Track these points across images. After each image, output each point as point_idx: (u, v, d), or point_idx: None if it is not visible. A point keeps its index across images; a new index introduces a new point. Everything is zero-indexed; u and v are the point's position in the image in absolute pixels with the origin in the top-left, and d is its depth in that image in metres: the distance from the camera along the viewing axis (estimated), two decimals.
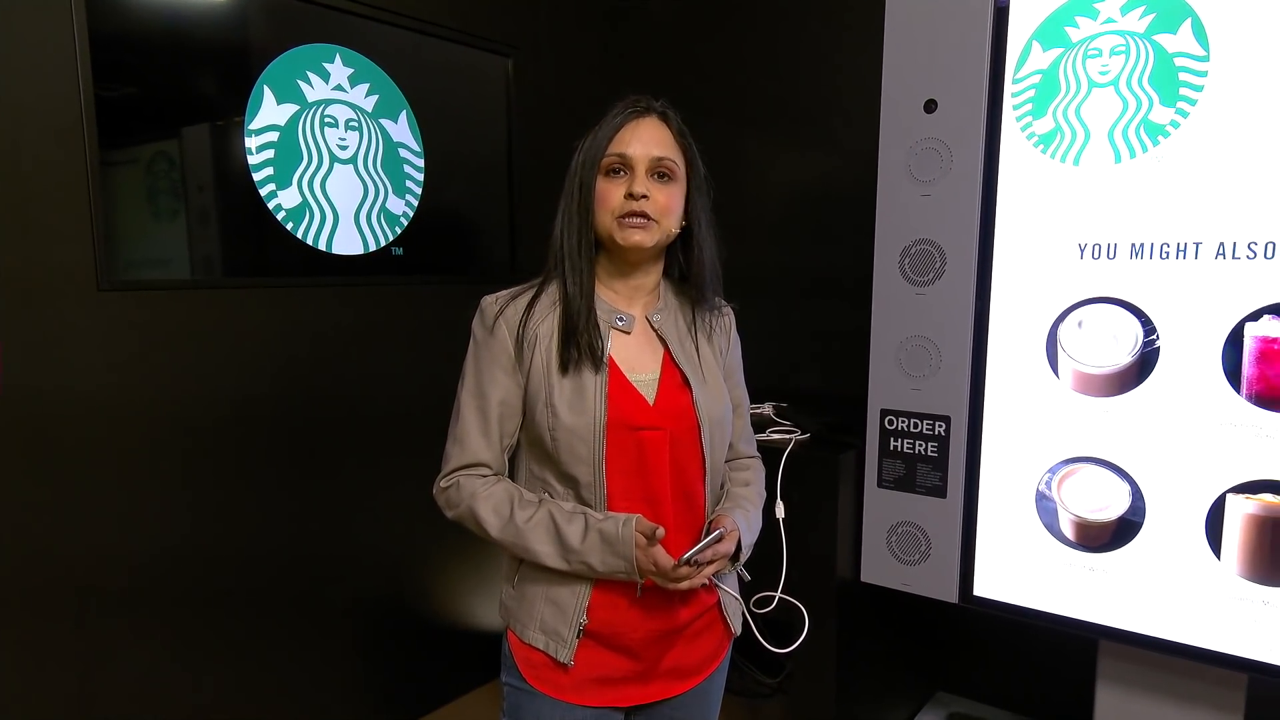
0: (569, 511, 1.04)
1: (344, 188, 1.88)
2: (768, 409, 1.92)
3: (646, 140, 1.05)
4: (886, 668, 1.84)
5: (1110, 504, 1.37)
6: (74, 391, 1.50)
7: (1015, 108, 1.41)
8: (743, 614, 1.20)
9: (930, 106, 1.46)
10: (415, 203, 2.05)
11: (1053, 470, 1.43)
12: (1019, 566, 1.47)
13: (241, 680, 1.79)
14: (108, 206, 1.52)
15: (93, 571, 1.54)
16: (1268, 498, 1.24)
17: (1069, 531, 1.42)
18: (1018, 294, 1.43)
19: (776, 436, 1.68)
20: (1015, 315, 1.43)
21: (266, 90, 1.72)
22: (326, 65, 1.83)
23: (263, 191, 1.73)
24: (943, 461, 1.51)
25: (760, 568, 1.55)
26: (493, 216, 2.27)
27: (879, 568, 1.60)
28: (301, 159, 1.79)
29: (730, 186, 2.19)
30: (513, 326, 1.06)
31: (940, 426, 1.51)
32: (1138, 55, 1.29)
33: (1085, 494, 1.39)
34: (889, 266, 1.53)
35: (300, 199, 1.80)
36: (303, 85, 1.78)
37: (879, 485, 1.58)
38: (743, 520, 1.10)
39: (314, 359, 1.88)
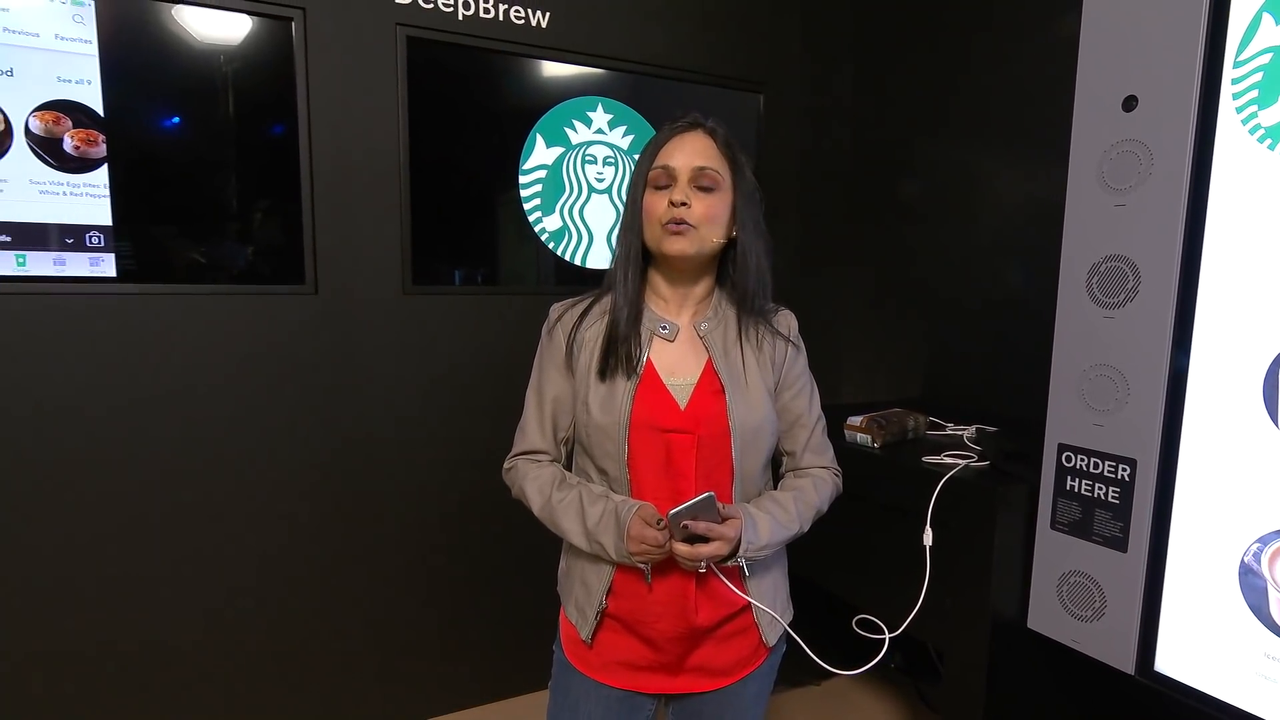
0: (597, 494, 1.10)
1: (599, 213, 2.26)
2: (970, 431, 1.80)
3: (689, 152, 1.09)
4: None
5: None
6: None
7: (1235, 96, 1.17)
8: (783, 629, 1.19)
9: (1129, 104, 1.29)
10: None
11: (1263, 540, 1.15)
12: (1213, 647, 1.21)
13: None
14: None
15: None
16: None
17: None
18: (1228, 321, 1.18)
19: (948, 459, 1.59)
20: (1224, 346, 1.19)
21: (538, 137, 2.17)
22: (589, 113, 2.22)
23: (530, 218, 2.18)
24: (1125, 510, 1.30)
25: (897, 593, 1.52)
26: None
27: (1047, 617, 1.43)
28: (564, 191, 2.21)
29: (964, 207, 2.09)
30: (567, 331, 1.16)
31: (1124, 470, 1.30)
32: None
33: None
34: (1075, 286, 1.37)
35: (561, 224, 2.22)
36: (568, 131, 2.20)
37: (1052, 527, 1.41)
38: (758, 516, 1.08)
39: None
